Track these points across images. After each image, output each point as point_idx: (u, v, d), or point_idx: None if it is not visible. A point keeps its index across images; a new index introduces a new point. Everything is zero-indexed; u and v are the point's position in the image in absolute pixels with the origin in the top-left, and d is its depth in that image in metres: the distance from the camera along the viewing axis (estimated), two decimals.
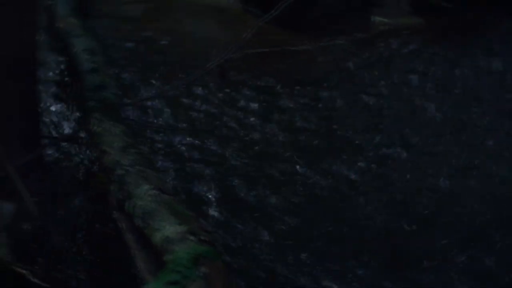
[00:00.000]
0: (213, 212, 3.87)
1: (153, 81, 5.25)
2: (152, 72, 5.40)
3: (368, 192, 4.10)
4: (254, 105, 5.06)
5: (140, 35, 6.08)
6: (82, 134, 4.33)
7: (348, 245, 3.65)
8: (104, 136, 3.47)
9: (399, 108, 5.14)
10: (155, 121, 4.77)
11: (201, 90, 5.08)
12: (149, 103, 4.92)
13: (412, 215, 3.89)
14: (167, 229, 2.71)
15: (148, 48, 5.83)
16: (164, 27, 6.24)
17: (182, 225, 2.71)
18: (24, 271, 2.93)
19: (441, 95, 5.31)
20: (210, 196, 4.02)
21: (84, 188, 4.00)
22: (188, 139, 4.59)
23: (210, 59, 4.41)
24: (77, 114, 4.57)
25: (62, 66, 5.34)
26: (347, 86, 5.46)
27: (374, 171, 4.34)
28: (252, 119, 4.89)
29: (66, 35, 5.30)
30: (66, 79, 5.18)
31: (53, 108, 4.79)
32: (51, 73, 5.29)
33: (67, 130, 4.51)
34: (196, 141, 4.57)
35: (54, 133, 4.52)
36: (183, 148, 4.50)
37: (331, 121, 4.96)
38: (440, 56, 6.00)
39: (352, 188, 4.18)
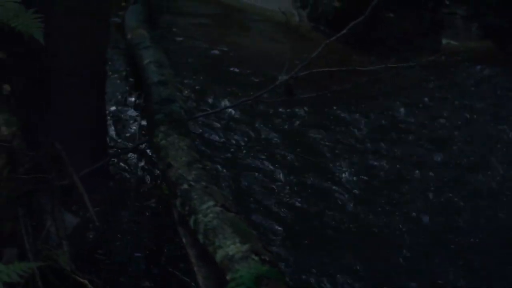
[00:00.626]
0: (276, 231, 3.83)
1: (220, 96, 5.25)
2: (219, 87, 5.40)
3: None
4: (319, 122, 5.02)
5: (208, 50, 6.10)
6: (148, 147, 4.35)
7: None
8: (170, 150, 3.46)
9: (467, 130, 5.04)
10: (221, 136, 4.76)
11: (267, 106, 5.06)
12: (215, 117, 4.92)
13: None
14: (230, 247, 2.67)
15: (216, 63, 5.85)
16: (233, 42, 6.26)
17: (246, 244, 2.67)
18: (85, 281, 2.95)
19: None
20: (275, 215, 3.98)
21: (148, 200, 4.02)
22: (252, 154, 4.57)
23: (278, 75, 4.38)
24: (144, 126, 4.59)
25: (131, 78, 5.39)
26: (414, 106, 5.37)
27: None
28: (318, 136, 4.86)
29: (135, 46, 5.33)
30: (134, 91, 5.22)
31: (120, 120, 4.84)
32: (119, 84, 5.35)
33: (133, 142, 4.54)
34: (261, 158, 4.54)
35: (120, 145, 4.55)
36: (249, 164, 4.47)
37: (400, 137, 4.89)
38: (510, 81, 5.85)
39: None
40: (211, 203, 2.99)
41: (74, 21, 3.43)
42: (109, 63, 4.78)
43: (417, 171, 4.54)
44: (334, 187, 4.33)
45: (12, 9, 3.02)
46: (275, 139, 4.81)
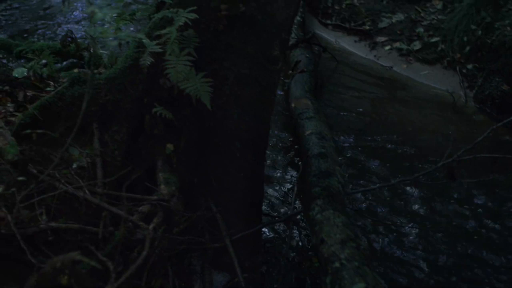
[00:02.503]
0: None
1: (379, 172, 5.10)
2: (378, 162, 5.26)
3: None
4: (483, 206, 4.72)
5: (369, 124, 5.99)
6: (302, 217, 4.28)
7: None
8: (324, 225, 3.37)
9: None
10: (377, 213, 4.60)
11: (427, 187, 4.84)
12: (373, 194, 4.77)
13: None
14: None
15: (376, 136, 5.71)
16: (396, 118, 6.12)
17: None
18: None
19: None
20: None
21: (297, 271, 3.92)
22: (410, 237, 4.35)
23: (440, 156, 4.18)
24: (300, 197, 4.54)
25: (291, 146, 5.39)
26: None
27: None
28: (486, 220, 4.56)
29: (298, 116, 5.35)
30: (294, 159, 5.20)
31: (276, 187, 4.82)
32: (279, 151, 5.35)
33: (287, 211, 4.48)
34: (418, 239, 4.31)
35: (274, 212, 4.52)
36: (405, 246, 4.26)
37: None
38: None
39: None
40: (362, 285, 2.84)
41: (243, 87, 3.47)
42: (271, 129, 4.80)
43: None
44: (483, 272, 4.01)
45: (182, 72, 3.12)
46: (438, 219, 4.56)
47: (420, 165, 5.10)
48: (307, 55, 6.73)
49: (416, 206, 4.69)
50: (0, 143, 3.30)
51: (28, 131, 3.26)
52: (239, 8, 3.28)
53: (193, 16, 3.08)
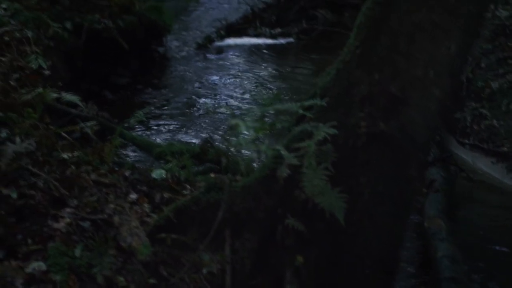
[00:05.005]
0: None
1: None
2: None
3: None
4: None
5: (501, 256, 5.66)
6: None
7: None
8: None
9: None
10: None
11: None
12: None
13: None
14: None
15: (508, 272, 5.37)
16: None
17: None
18: None
19: None
20: None
21: None
22: None
23: None
24: None
25: (421, 268, 5.19)
26: None
27: None
28: None
29: (430, 236, 5.19)
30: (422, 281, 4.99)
31: None
32: (410, 275, 5.16)
33: None
34: None
35: None
36: None
37: None
38: None
39: None
40: None
41: (377, 205, 3.42)
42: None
43: None
44: None
45: (318, 186, 3.12)
46: None
47: None
48: (443, 174, 6.58)
49: None
50: (134, 242, 3.41)
51: (163, 235, 3.35)
52: (379, 126, 3.28)
53: (332, 131, 3.11)
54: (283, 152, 3.14)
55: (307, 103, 3.36)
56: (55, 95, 4.93)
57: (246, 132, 3.06)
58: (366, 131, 3.31)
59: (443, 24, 3.37)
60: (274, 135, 3.47)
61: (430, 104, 3.44)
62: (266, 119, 3.30)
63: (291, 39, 10.02)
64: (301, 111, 3.26)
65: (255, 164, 3.76)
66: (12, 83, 5.12)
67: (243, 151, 4.46)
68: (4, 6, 6.32)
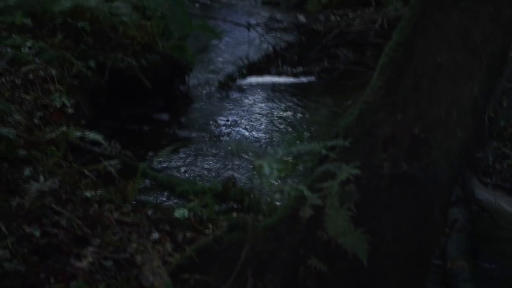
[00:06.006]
0: None
1: None
2: None
3: None
4: None
5: None
6: None
7: None
8: None
9: None
10: None
11: None
12: None
13: None
14: None
15: None
16: None
17: None
18: None
19: None
20: None
21: None
22: None
23: None
24: None
25: None
26: None
27: None
28: None
29: (453, 277, 5.12)
30: None
31: None
32: None
33: None
34: None
35: None
36: None
37: None
38: None
39: None
40: None
41: (400, 246, 3.40)
42: None
43: None
44: None
45: (341, 226, 3.11)
46: None
47: None
48: (465, 214, 6.51)
49: None
50: (156, 282, 3.41)
51: (186, 276, 3.34)
52: (402, 167, 3.28)
53: (355, 172, 3.10)
54: (306, 192, 3.13)
55: (330, 144, 3.36)
56: (78, 133, 4.98)
57: (269, 173, 3.06)
58: (389, 172, 3.31)
59: (466, 65, 3.38)
60: (297, 175, 3.47)
61: (453, 144, 3.43)
62: (289, 159, 3.31)
63: (312, 78, 10.05)
64: (324, 152, 3.27)
65: (278, 204, 3.76)
66: (36, 121, 5.19)
67: (266, 191, 4.46)
68: (29, 44, 6.41)
